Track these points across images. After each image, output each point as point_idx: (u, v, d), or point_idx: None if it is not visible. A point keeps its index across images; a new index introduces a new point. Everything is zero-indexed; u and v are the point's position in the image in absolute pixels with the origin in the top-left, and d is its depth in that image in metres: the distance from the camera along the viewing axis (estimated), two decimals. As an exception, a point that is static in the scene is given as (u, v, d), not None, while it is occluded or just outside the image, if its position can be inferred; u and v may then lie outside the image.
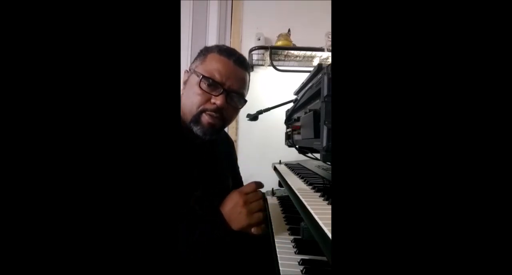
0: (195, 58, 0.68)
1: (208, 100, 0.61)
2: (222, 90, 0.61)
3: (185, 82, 0.67)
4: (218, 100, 0.60)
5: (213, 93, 0.61)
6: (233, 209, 0.59)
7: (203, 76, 0.60)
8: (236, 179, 0.88)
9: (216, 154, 0.75)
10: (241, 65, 0.64)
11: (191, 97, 0.62)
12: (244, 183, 0.94)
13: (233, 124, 1.51)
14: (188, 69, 0.68)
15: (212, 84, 0.61)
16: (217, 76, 0.61)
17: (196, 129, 0.62)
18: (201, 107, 0.61)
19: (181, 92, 0.67)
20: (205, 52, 0.66)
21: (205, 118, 0.62)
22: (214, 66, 0.61)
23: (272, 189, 1.16)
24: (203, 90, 0.61)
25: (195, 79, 0.62)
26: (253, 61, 1.51)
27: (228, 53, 0.63)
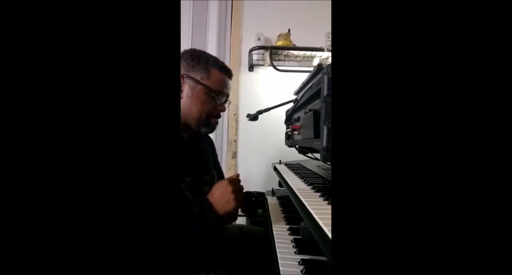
0: (194, 66, 0.75)
1: (215, 107, 0.78)
2: (225, 100, 0.80)
3: (190, 88, 0.74)
4: (223, 108, 0.79)
5: (219, 102, 0.78)
6: (222, 196, 0.66)
7: (218, 92, 0.77)
8: (218, 173, 0.95)
9: (200, 147, 0.87)
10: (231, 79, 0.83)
11: (198, 105, 0.76)
12: (243, 183, 0.95)
13: (233, 124, 1.51)
14: (186, 74, 0.74)
15: (221, 97, 0.79)
16: (224, 92, 0.79)
17: (206, 129, 0.79)
18: (209, 113, 0.77)
19: (184, 95, 0.75)
20: (205, 64, 0.76)
21: (213, 120, 0.79)
22: (221, 83, 0.78)
23: (272, 189, 1.16)
24: (216, 103, 0.77)
25: (203, 90, 0.76)
26: (253, 61, 1.51)
27: (226, 71, 0.80)
